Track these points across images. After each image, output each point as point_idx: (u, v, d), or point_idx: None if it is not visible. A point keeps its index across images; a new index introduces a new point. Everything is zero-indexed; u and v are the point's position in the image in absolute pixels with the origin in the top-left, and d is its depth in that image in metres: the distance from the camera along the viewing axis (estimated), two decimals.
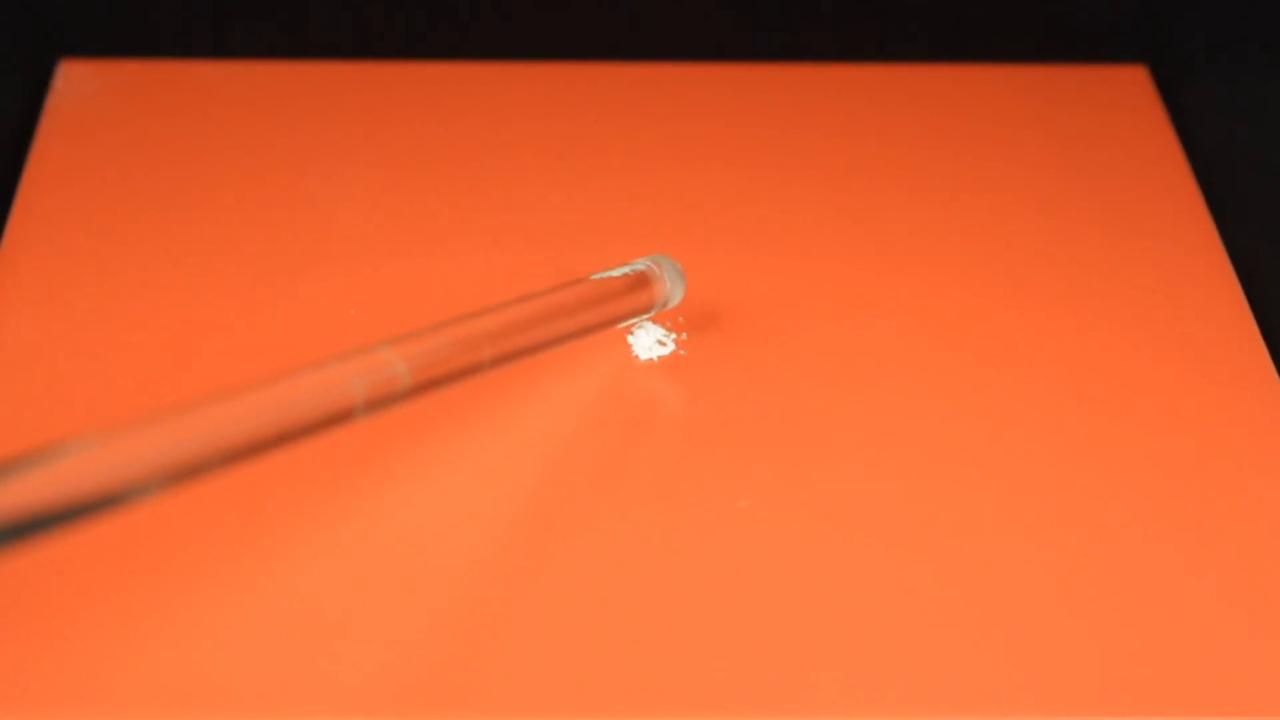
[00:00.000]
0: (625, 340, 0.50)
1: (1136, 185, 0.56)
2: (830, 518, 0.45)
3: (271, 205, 0.54)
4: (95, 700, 0.41)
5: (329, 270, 0.52)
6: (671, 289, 0.49)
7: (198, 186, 0.55)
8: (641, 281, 0.49)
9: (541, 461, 0.47)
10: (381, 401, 0.42)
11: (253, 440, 0.39)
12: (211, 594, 0.43)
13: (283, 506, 0.45)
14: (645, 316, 0.50)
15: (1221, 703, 0.42)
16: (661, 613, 0.43)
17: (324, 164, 0.56)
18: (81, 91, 0.59)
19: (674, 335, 0.50)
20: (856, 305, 0.52)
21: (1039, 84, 0.61)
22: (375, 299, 0.51)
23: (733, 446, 0.47)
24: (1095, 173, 0.57)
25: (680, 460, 0.47)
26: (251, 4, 0.62)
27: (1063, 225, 0.55)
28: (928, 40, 0.63)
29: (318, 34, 0.62)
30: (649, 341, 0.50)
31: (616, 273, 0.49)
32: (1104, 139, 0.58)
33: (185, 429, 0.38)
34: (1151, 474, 0.47)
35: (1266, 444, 0.48)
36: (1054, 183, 0.56)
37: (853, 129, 0.58)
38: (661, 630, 0.43)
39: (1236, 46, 0.63)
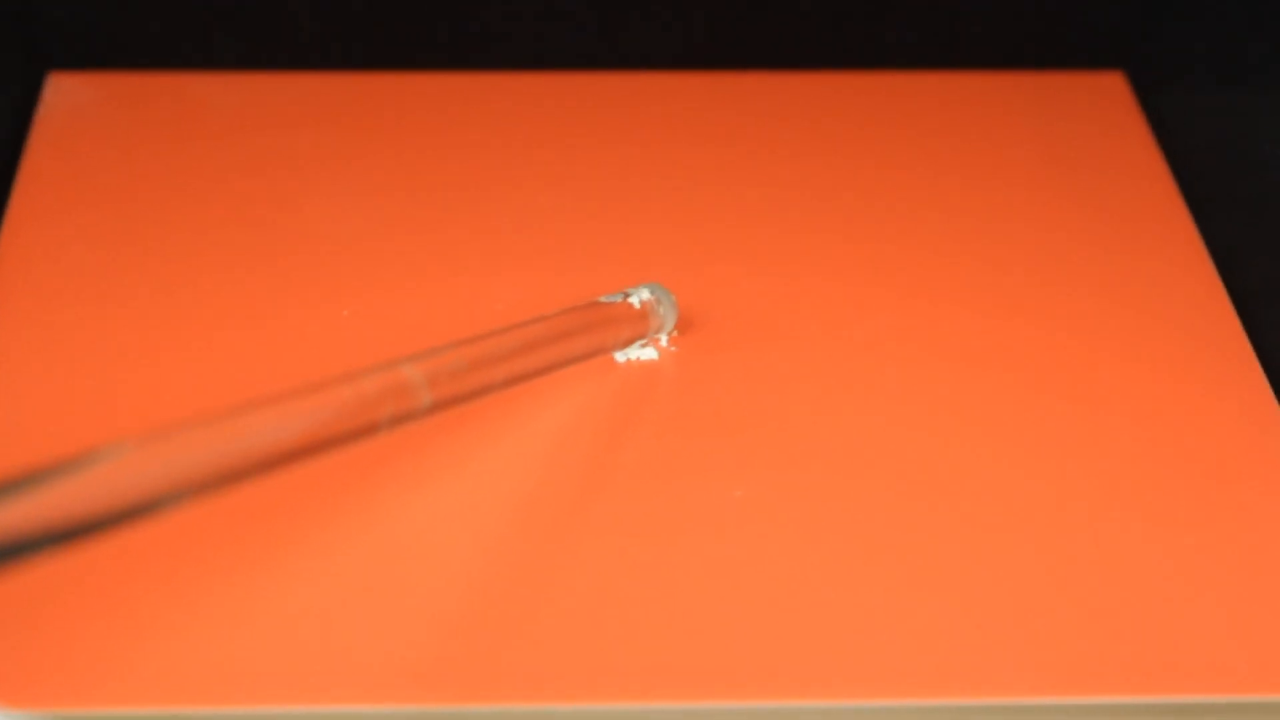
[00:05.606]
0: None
1: (1116, 190, 0.57)
2: (823, 508, 0.46)
3: (263, 216, 0.55)
4: (103, 688, 0.41)
5: (320, 279, 0.52)
6: (665, 319, 0.50)
7: (189, 199, 0.55)
8: (647, 311, 0.49)
9: (531, 458, 0.47)
10: (403, 418, 0.42)
11: (284, 451, 0.39)
12: (216, 585, 0.43)
13: (279, 501, 0.45)
14: (639, 343, 0.50)
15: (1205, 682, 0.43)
16: (659, 598, 0.43)
17: (314, 175, 0.56)
18: (71, 104, 0.59)
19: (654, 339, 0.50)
20: (839, 309, 0.52)
21: (1017, 91, 0.61)
22: (368, 304, 0.51)
23: (723, 441, 0.47)
24: (1075, 178, 0.57)
25: (671, 454, 0.47)
26: (242, 15, 0.62)
27: (1043, 230, 0.55)
28: (905, 48, 0.63)
29: (308, 45, 0.62)
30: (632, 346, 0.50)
31: (618, 297, 0.49)
32: (1083, 145, 0.59)
33: (218, 439, 0.38)
34: (1141, 469, 0.47)
35: (1256, 443, 0.48)
36: (1034, 188, 0.57)
37: (831, 135, 0.59)
38: (660, 615, 0.43)
39: (1213, 52, 0.64)
